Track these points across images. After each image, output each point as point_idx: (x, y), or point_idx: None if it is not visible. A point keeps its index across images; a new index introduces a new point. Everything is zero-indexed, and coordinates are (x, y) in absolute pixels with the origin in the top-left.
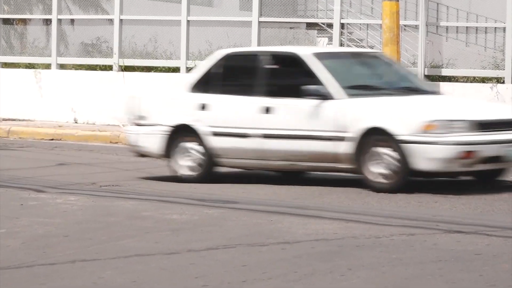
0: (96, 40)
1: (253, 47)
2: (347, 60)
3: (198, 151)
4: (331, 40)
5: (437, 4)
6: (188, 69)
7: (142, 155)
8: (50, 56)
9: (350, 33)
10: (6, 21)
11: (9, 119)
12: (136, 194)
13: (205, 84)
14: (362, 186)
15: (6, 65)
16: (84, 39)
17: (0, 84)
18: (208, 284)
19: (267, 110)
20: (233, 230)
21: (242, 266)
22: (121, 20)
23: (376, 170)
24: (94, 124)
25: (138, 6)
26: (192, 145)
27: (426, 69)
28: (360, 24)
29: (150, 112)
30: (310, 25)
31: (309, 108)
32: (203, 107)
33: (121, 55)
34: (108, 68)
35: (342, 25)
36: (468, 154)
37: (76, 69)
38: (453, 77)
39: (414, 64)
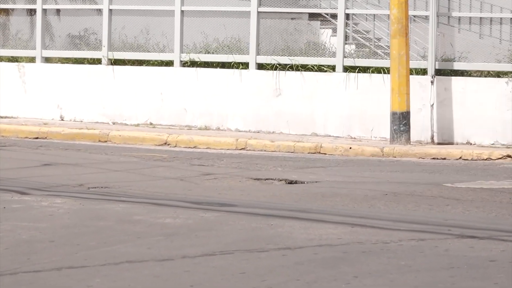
0: (84, 32)
1: None
2: None
3: None
4: (335, 32)
5: None
6: (182, 63)
7: None
8: (34, 48)
9: (356, 24)
10: None
11: None
12: (127, 197)
13: None
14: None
15: None
16: (71, 30)
17: None
18: None
19: None
20: (231, 235)
21: (240, 273)
22: (110, 10)
23: None
24: (81, 121)
25: None
26: None
27: (437, 62)
28: (366, 14)
29: None
30: (312, 16)
31: None
32: None
33: (111, 47)
34: (97, 61)
35: (347, 16)
36: None
37: (62, 62)
38: (466, 71)
39: (424, 57)
